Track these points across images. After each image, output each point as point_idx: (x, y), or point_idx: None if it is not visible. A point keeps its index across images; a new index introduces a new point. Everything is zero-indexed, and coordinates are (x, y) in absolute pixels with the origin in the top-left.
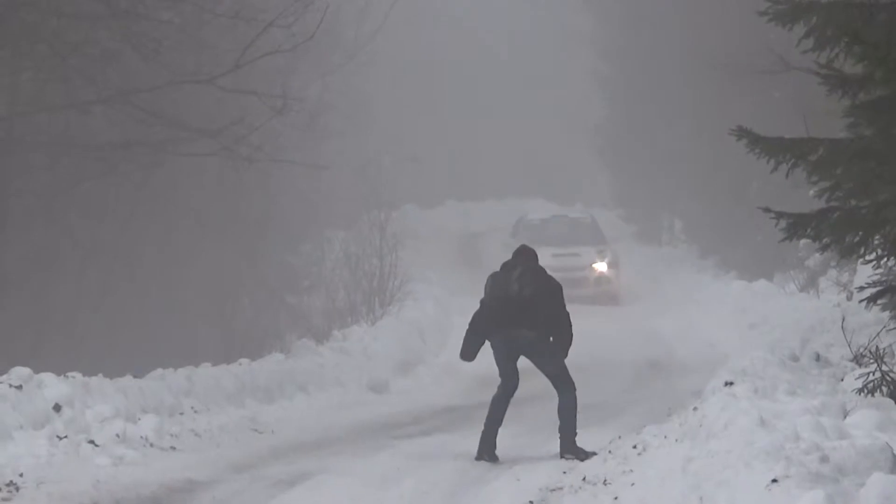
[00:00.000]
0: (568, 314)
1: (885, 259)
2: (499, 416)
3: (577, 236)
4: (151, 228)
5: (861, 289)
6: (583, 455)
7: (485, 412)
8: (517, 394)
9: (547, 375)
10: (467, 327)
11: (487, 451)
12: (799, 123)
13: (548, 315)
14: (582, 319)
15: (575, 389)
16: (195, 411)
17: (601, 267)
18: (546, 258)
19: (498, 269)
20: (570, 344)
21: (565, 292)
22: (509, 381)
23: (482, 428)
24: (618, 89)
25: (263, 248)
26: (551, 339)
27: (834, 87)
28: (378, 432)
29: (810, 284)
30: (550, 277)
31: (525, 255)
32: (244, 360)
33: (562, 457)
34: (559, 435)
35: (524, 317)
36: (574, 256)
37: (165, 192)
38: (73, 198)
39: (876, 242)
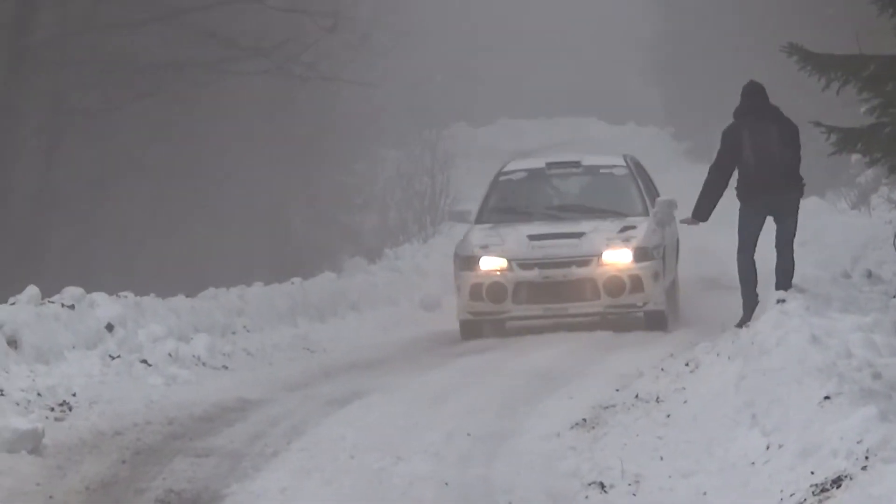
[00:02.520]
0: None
1: None
2: (753, 275)
3: (595, 200)
4: (203, 148)
5: None
6: None
7: (536, 329)
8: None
9: (783, 233)
10: (706, 183)
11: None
12: (851, 41)
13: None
14: None
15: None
16: (247, 330)
17: (618, 258)
18: (518, 246)
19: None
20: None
21: (546, 307)
22: (753, 245)
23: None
24: (672, 4)
25: (315, 167)
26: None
27: (885, 7)
28: (430, 350)
29: (862, 202)
30: (780, 123)
31: (752, 100)
32: (296, 279)
33: None
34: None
35: (781, 180)
36: (567, 241)
37: (217, 111)
38: (125, 117)
39: None
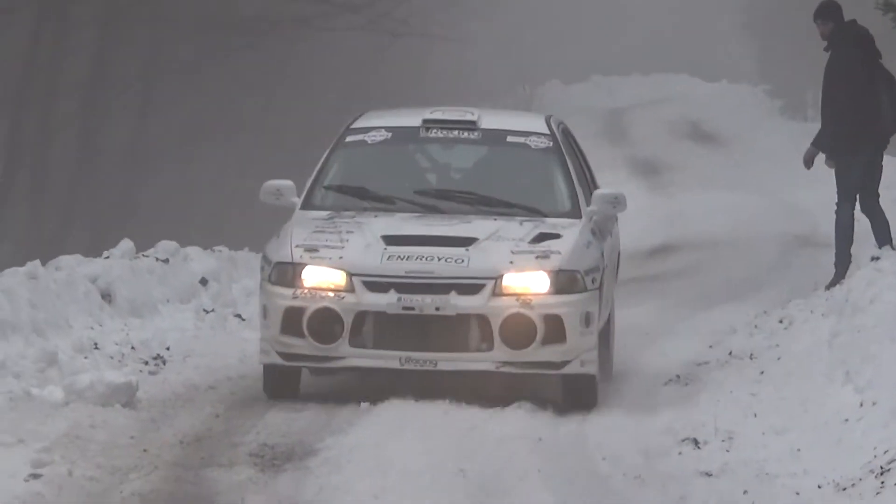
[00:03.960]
0: None
1: None
2: (852, 231)
3: (498, 186)
4: (295, 102)
5: None
6: None
7: (627, 283)
8: (662, 269)
9: (875, 185)
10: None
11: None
12: None
13: None
14: (713, 192)
15: None
16: None
17: (529, 284)
18: (367, 253)
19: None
20: None
21: (404, 355)
22: (855, 197)
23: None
24: None
25: None
26: None
27: None
28: None
29: None
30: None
31: (858, 29)
32: None
33: None
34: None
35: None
36: (447, 251)
37: (310, 67)
38: (219, 72)
39: None
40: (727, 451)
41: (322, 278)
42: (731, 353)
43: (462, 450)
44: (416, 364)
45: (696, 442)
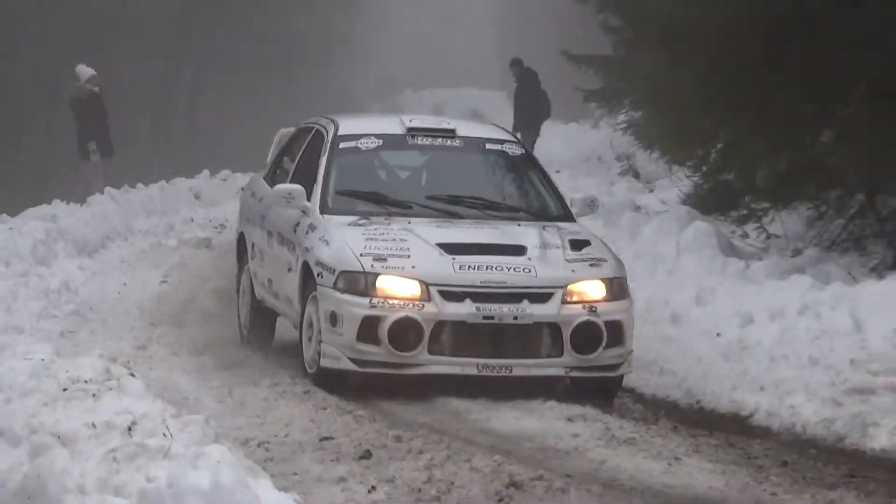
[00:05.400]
0: None
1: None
2: None
3: (496, 191)
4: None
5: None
6: None
7: None
8: None
9: None
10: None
11: None
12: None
13: None
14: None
15: None
16: None
17: (590, 291)
18: (435, 263)
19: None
20: None
21: (481, 363)
22: None
23: None
24: None
25: None
26: None
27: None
28: None
29: (595, 125)
30: None
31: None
32: None
33: None
34: None
35: None
36: (510, 259)
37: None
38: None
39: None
40: None
41: (397, 288)
42: None
43: None
44: (493, 370)
45: None
